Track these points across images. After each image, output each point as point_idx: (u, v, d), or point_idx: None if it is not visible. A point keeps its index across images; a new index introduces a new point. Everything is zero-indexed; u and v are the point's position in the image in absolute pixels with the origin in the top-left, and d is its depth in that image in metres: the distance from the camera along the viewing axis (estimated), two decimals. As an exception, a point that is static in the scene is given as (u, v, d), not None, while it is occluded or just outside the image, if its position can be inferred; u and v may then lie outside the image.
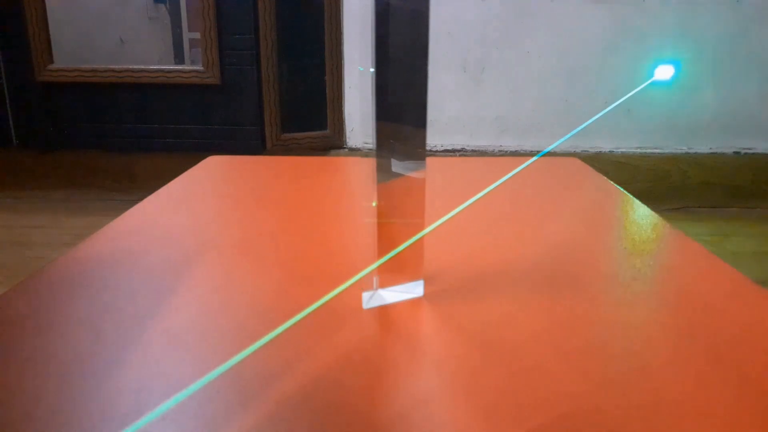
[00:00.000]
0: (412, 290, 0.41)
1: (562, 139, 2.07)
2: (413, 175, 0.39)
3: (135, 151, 2.40)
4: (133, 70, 2.33)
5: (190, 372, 0.33)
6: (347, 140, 2.48)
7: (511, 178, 0.80)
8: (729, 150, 2.38)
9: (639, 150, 2.40)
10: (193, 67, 2.36)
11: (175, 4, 2.68)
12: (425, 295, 0.42)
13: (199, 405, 0.30)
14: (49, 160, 2.43)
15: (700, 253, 0.51)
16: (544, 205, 0.65)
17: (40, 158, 2.43)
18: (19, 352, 0.35)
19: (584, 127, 2.02)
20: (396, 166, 0.38)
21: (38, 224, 2.05)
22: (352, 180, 0.80)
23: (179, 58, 2.66)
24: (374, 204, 0.38)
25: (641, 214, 0.61)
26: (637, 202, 0.65)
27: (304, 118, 2.44)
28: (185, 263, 0.48)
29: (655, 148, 2.39)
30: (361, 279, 0.42)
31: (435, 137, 2.42)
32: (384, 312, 0.40)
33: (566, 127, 2.39)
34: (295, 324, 0.38)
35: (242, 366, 0.33)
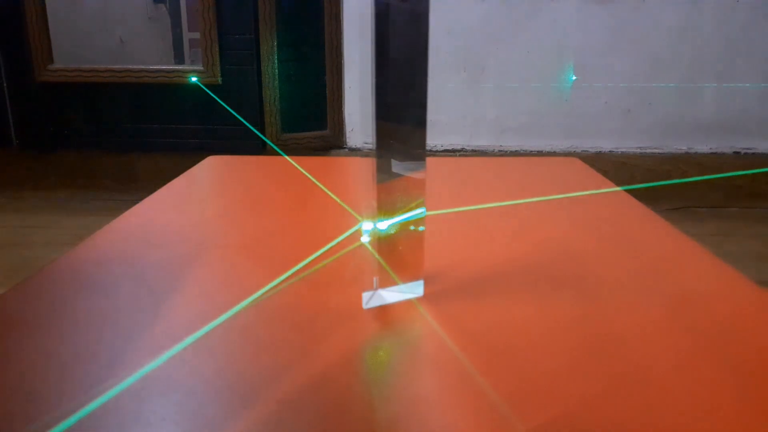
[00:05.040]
0: (412, 290, 0.41)
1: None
2: (413, 175, 0.39)
3: (135, 151, 2.40)
4: (133, 70, 2.33)
5: (190, 371, 0.33)
6: (347, 140, 2.48)
7: (511, 178, 0.80)
8: (729, 150, 2.38)
9: (639, 150, 2.40)
10: (193, 67, 2.36)
11: (175, 4, 2.68)
12: (425, 295, 0.42)
13: (199, 405, 0.30)
14: (49, 160, 2.43)
15: (700, 253, 0.51)
16: (544, 205, 0.65)
17: (40, 158, 2.43)
18: (19, 352, 0.35)
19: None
20: (396, 166, 0.38)
21: (38, 224, 2.05)
22: (352, 180, 0.80)
23: (179, 58, 2.66)
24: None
25: (641, 214, 0.61)
26: (637, 202, 0.64)
27: (304, 118, 2.44)
28: (185, 263, 0.48)
29: (655, 148, 2.39)
30: (361, 279, 0.42)
31: (435, 137, 2.42)
32: (384, 312, 0.40)
33: (566, 127, 2.39)
34: (295, 324, 0.38)
35: (242, 366, 0.33)
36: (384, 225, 0.39)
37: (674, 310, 0.40)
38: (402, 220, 0.39)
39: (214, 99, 2.31)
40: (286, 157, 0.71)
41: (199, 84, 2.01)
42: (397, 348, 0.36)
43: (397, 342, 0.37)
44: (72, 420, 0.25)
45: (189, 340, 0.34)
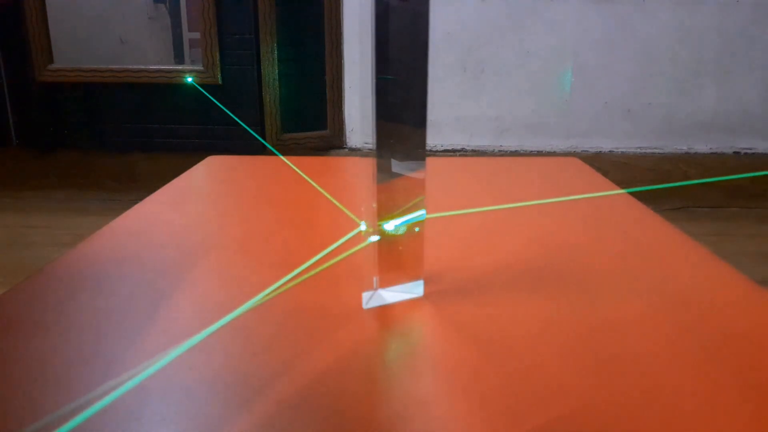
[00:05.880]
0: (412, 290, 0.41)
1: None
2: (413, 175, 0.39)
3: (135, 151, 2.41)
4: (133, 70, 2.33)
5: (190, 372, 0.33)
6: (347, 140, 2.48)
7: (511, 178, 0.80)
8: (729, 150, 2.38)
9: (639, 150, 2.40)
10: (193, 67, 2.37)
11: (175, 4, 2.68)
12: (425, 295, 0.42)
13: (199, 405, 0.30)
14: (49, 160, 2.43)
15: (700, 253, 0.51)
16: (544, 205, 0.65)
17: (40, 158, 2.43)
18: (19, 352, 0.35)
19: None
20: (396, 166, 0.38)
21: (38, 224, 2.05)
22: (352, 180, 0.80)
23: (179, 58, 2.66)
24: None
25: (641, 214, 0.61)
26: (637, 202, 0.64)
27: (304, 118, 2.44)
28: (185, 263, 0.48)
29: (655, 148, 2.39)
30: (361, 279, 0.42)
31: (435, 137, 2.42)
32: (384, 312, 0.40)
33: (566, 127, 2.39)
34: (295, 324, 0.38)
35: (242, 366, 0.33)
36: (391, 226, 0.39)
37: (674, 310, 0.40)
38: (406, 222, 0.39)
39: (214, 98, 2.31)
40: (283, 158, 0.71)
41: (195, 85, 2.01)
42: (396, 348, 0.36)
43: (397, 342, 0.37)
44: (72, 420, 0.25)
45: (192, 341, 0.34)
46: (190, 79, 2.18)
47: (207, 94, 2.03)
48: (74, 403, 0.30)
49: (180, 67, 2.39)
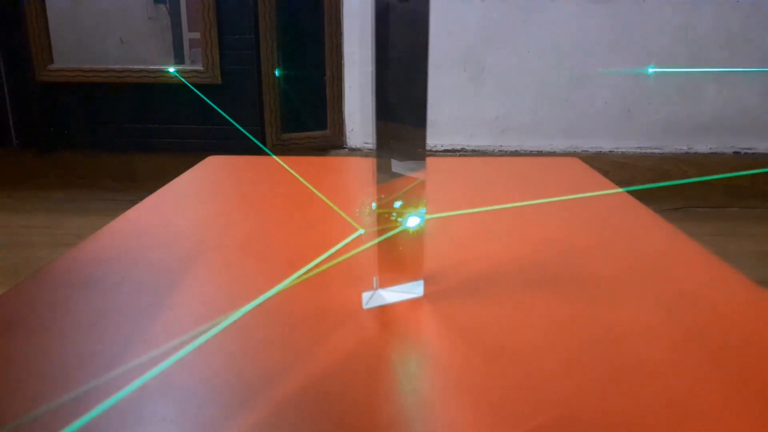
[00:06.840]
0: (412, 290, 0.41)
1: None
2: (413, 175, 0.39)
3: (135, 151, 2.40)
4: (133, 70, 2.33)
5: (190, 372, 0.33)
6: (347, 140, 2.48)
7: (511, 178, 0.80)
8: (729, 150, 2.38)
9: (639, 150, 2.40)
10: (193, 67, 2.36)
11: (175, 4, 2.68)
12: (425, 295, 0.42)
13: (199, 405, 0.30)
14: (49, 160, 2.43)
15: (700, 253, 0.51)
16: (544, 205, 0.65)
17: (40, 158, 2.42)
18: (19, 352, 0.35)
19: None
20: (396, 166, 0.38)
21: (38, 224, 2.05)
22: (352, 180, 0.80)
23: (179, 58, 2.66)
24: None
25: (641, 214, 0.61)
26: (637, 202, 0.64)
27: (304, 118, 2.44)
28: (185, 263, 0.48)
29: (655, 148, 2.39)
30: (361, 279, 0.42)
31: (435, 137, 2.41)
32: (384, 312, 0.40)
33: (566, 127, 2.39)
34: (295, 324, 0.38)
35: (242, 366, 0.33)
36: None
37: (674, 310, 0.40)
38: (407, 222, 0.39)
39: (214, 99, 2.31)
40: (277, 159, 0.71)
41: (184, 80, 2.01)
42: (396, 348, 0.36)
43: (397, 342, 0.37)
44: (74, 422, 0.25)
45: (193, 344, 0.34)
46: (172, 70, 2.16)
47: (199, 93, 2.03)
48: (74, 403, 0.30)
49: (180, 67, 2.39)
